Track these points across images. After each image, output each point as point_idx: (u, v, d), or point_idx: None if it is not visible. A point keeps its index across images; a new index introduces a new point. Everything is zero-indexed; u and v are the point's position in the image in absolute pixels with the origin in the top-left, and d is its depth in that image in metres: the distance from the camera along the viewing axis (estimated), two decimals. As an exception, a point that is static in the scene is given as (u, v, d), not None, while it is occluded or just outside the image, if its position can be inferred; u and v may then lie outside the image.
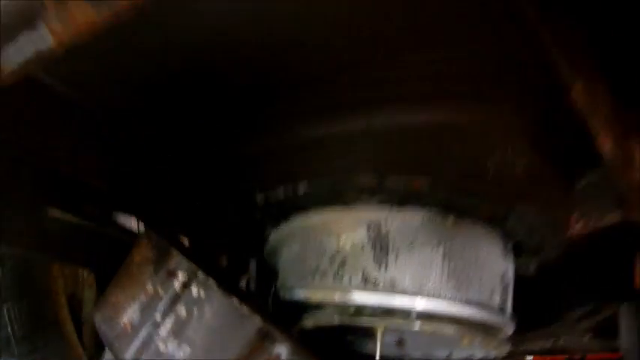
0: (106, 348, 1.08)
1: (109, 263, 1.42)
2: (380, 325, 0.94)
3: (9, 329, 1.83)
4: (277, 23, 0.79)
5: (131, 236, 1.52)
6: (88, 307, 2.23)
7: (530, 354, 1.72)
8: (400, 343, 1.08)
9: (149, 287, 0.95)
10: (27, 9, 0.45)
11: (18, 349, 1.83)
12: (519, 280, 1.13)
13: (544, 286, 1.41)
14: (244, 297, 0.93)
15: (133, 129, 1.10)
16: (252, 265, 1.24)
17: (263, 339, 0.87)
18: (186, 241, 1.33)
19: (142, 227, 1.86)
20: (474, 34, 0.78)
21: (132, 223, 1.80)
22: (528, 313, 1.33)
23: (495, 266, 1.01)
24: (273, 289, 1.09)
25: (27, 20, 0.46)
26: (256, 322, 0.87)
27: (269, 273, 1.15)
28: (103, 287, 2.11)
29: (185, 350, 0.89)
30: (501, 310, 1.02)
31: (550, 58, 0.64)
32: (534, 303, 1.40)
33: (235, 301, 0.88)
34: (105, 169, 1.12)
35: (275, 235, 1.10)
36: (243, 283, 1.30)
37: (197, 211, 1.24)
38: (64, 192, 1.14)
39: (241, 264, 1.32)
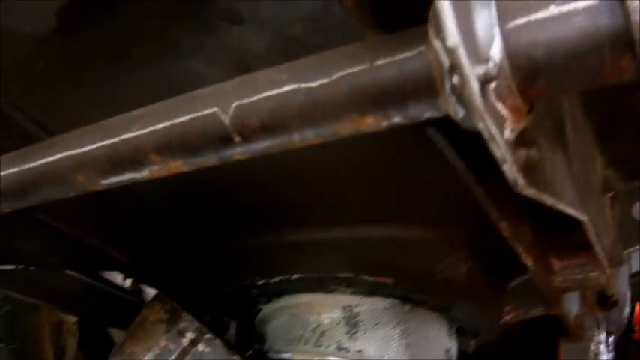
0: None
1: (100, 315, 1.57)
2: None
3: None
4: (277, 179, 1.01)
5: (122, 292, 1.68)
6: (69, 353, 2.34)
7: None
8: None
9: (162, 342, 1.13)
10: (138, 160, 0.62)
11: None
12: (462, 356, 1.33)
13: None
14: (241, 355, 1.12)
15: (159, 221, 1.26)
16: (232, 328, 1.41)
17: None
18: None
19: (130, 284, 2.01)
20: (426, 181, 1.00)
21: (117, 278, 1.95)
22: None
23: (442, 343, 1.22)
24: (262, 349, 1.27)
25: (135, 166, 0.62)
26: None
27: (256, 337, 1.32)
28: (84, 337, 2.25)
29: None
30: (446, 378, 1.21)
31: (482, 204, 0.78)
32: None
33: (236, 358, 1.07)
34: (128, 245, 1.27)
35: (267, 309, 1.29)
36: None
37: (198, 282, 1.41)
38: (84, 257, 1.27)
39: (221, 325, 1.48)
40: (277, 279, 1.18)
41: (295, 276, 1.17)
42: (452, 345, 1.26)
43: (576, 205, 0.73)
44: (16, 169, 0.70)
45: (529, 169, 0.52)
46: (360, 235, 1.13)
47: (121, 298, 1.65)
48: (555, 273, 0.96)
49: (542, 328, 1.41)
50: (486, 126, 0.44)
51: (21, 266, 1.12)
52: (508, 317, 1.34)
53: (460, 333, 1.30)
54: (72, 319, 2.29)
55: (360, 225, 1.13)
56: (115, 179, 0.65)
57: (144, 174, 0.62)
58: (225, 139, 0.56)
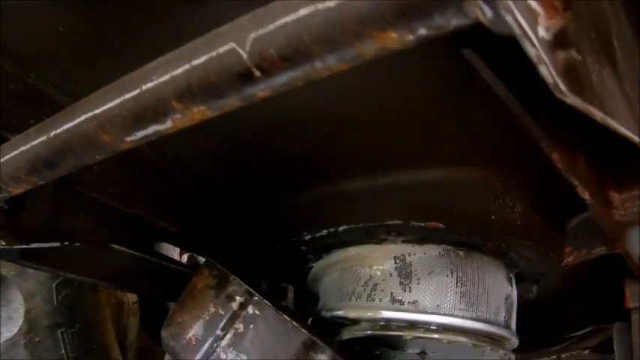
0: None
1: (157, 290, 1.57)
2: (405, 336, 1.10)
3: (62, 351, 1.92)
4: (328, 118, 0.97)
5: (176, 265, 1.67)
6: (131, 334, 2.36)
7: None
8: (422, 354, 1.25)
9: (211, 308, 1.10)
10: (160, 109, 0.59)
11: None
12: (525, 305, 1.28)
13: (548, 309, 1.56)
14: (291, 314, 1.09)
15: (203, 185, 1.25)
16: (290, 293, 1.39)
17: (308, 349, 1.03)
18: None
19: (187, 258, 2.02)
20: (475, 116, 0.95)
21: (173, 253, 1.95)
22: (534, 334, 1.48)
23: (500, 290, 1.16)
24: (316, 309, 1.25)
25: (158, 117, 0.59)
26: (302, 334, 1.04)
27: (310, 297, 1.31)
28: (145, 316, 2.26)
29: (242, 358, 1.05)
30: (506, 325, 1.17)
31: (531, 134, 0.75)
32: (538, 325, 1.55)
33: (285, 317, 1.04)
34: (175, 214, 1.24)
35: (317, 266, 1.27)
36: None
37: (249, 247, 1.39)
38: (133, 231, 1.25)
39: (279, 291, 1.46)
40: (324, 232, 1.15)
41: (343, 228, 1.13)
42: (512, 292, 1.21)
43: (631, 126, 0.68)
44: (43, 138, 0.69)
45: (571, 74, 0.47)
46: (408, 180, 1.09)
47: (178, 272, 1.64)
48: (615, 207, 0.94)
49: (606, 270, 1.34)
50: (517, 21, 0.40)
51: (66, 243, 1.08)
52: (569, 259, 1.29)
53: (520, 279, 1.26)
54: (132, 298, 2.32)
55: (407, 170, 1.09)
56: (140, 134, 0.63)
57: (167, 125, 0.60)
58: (245, 76, 0.53)
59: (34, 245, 1.02)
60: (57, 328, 1.93)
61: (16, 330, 1.86)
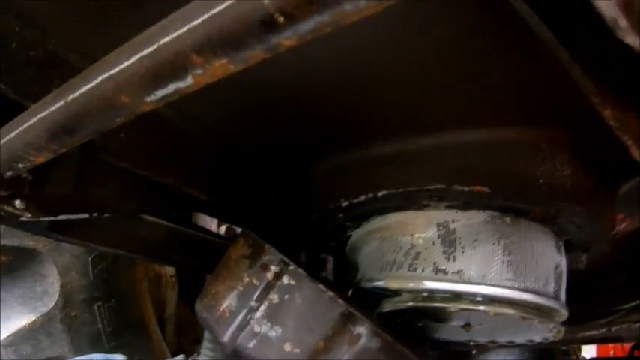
0: (205, 334, 1.21)
1: (197, 262, 1.55)
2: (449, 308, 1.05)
3: (99, 325, 1.94)
4: (365, 66, 0.91)
5: (213, 237, 1.64)
6: (170, 307, 2.36)
7: (585, 342, 1.79)
8: (467, 327, 1.19)
9: (245, 279, 1.07)
10: (179, 65, 0.55)
11: (107, 343, 1.92)
12: (574, 275, 1.22)
13: (597, 280, 1.50)
14: (329, 285, 1.05)
15: (234, 152, 1.22)
16: (330, 264, 1.35)
17: (346, 321, 0.98)
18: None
19: (225, 230, 1.99)
20: (519, 70, 0.89)
21: (210, 224, 1.93)
22: (583, 305, 1.42)
23: (549, 259, 1.10)
24: (355, 280, 1.21)
25: (177, 73, 0.56)
26: (340, 305, 0.99)
27: (349, 267, 1.26)
28: (184, 289, 2.26)
29: (277, 330, 1.01)
30: (556, 296, 1.11)
31: (582, 90, 0.71)
32: (588, 297, 1.49)
33: (322, 287, 1.00)
34: (205, 182, 1.22)
35: (356, 235, 1.22)
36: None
37: (282, 215, 1.35)
38: (163, 200, 1.22)
39: (319, 262, 1.43)
40: (362, 198, 1.09)
41: (382, 193, 1.07)
42: (561, 260, 1.15)
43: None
44: (61, 103, 0.67)
45: (631, 10, 0.42)
46: (450, 141, 1.03)
47: (215, 244, 1.62)
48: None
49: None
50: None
51: (95, 214, 1.07)
52: (621, 227, 1.22)
53: (569, 247, 1.20)
54: (170, 271, 2.33)
55: (449, 131, 1.03)
56: (160, 93, 0.60)
57: (188, 81, 0.57)
58: (267, 23, 0.49)
59: (61, 217, 1.01)
60: (93, 301, 1.96)
61: (52, 304, 1.88)
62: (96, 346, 1.92)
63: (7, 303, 1.86)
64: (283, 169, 1.27)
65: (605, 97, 0.72)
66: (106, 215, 1.11)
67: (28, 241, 1.86)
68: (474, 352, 1.84)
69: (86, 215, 1.05)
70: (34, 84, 0.92)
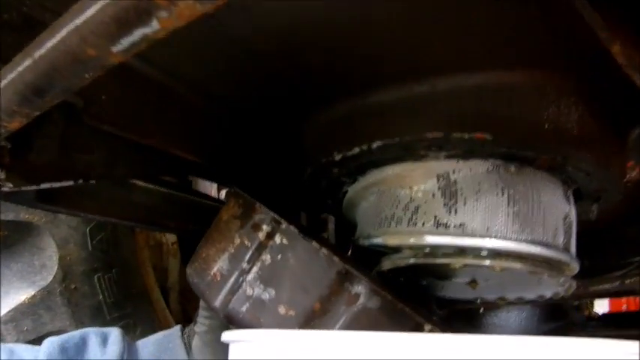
0: (201, 301, 1.16)
1: (194, 228, 1.50)
2: (453, 264, 1.00)
3: (100, 297, 1.91)
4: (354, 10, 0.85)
5: (212, 201, 1.60)
6: (172, 275, 2.33)
7: (598, 297, 1.74)
8: (472, 284, 1.14)
9: (236, 240, 1.02)
10: (142, 8, 0.51)
11: (109, 315, 1.90)
12: (584, 227, 1.16)
13: (609, 232, 1.44)
14: (325, 243, 1.00)
15: (223, 109, 1.17)
16: (331, 224, 1.30)
17: (343, 280, 0.93)
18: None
19: (223, 194, 1.94)
20: (518, 6, 0.83)
21: (211, 189, 1.88)
22: (594, 259, 1.37)
23: (557, 209, 1.05)
24: (352, 238, 1.16)
25: (142, 17, 0.52)
26: (336, 264, 0.93)
27: (347, 226, 1.22)
28: (186, 257, 2.22)
29: (270, 293, 0.96)
30: (565, 248, 1.05)
31: (588, 23, 0.67)
32: (599, 249, 1.44)
33: (316, 245, 0.95)
34: (194, 142, 1.18)
35: (352, 190, 1.16)
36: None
37: (279, 175, 1.30)
38: (152, 163, 1.18)
39: (320, 222, 1.38)
40: (356, 151, 1.03)
41: (376, 144, 1.01)
42: (570, 211, 1.09)
43: None
44: (29, 62, 0.63)
45: None
46: (448, 87, 0.97)
47: (214, 208, 1.57)
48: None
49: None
50: None
51: (80, 181, 1.03)
52: (632, 174, 1.15)
53: (578, 197, 1.14)
54: (171, 239, 2.30)
55: (446, 76, 0.97)
56: (126, 41, 0.56)
57: (154, 26, 0.53)
58: None
59: (44, 186, 0.98)
60: (93, 273, 1.93)
61: (50, 278, 1.85)
62: (97, 319, 1.89)
63: (5, 278, 1.82)
64: (275, 125, 1.22)
65: (613, 31, 0.68)
66: (92, 182, 1.06)
67: (24, 214, 1.82)
68: (481, 310, 1.80)
69: (71, 182, 1.01)
70: (10, 48, 0.85)
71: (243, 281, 0.99)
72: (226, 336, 0.87)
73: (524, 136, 0.97)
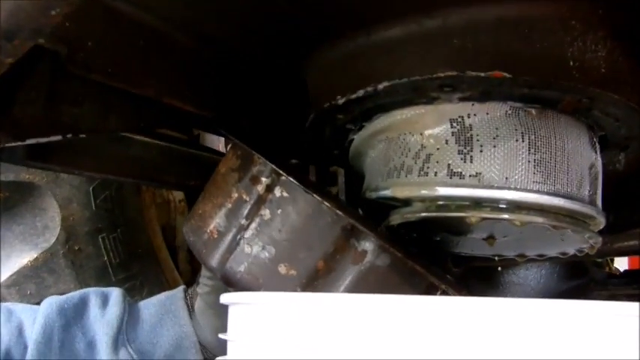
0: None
1: (196, 184, 1.44)
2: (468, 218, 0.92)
3: (105, 258, 1.87)
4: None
5: (218, 156, 1.54)
6: (181, 234, 2.28)
7: (622, 254, 1.68)
8: (490, 239, 1.07)
9: (234, 194, 0.96)
10: None
11: (115, 276, 1.86)
12: (610, 178, 1.10)
13: (636, 183, 1.37)
14: (329, 196, 0.93)
15: (219, 52, 1.10)
16: (341, 177, 1.23)
17: (348, 236, 0.87)
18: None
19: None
20: None
21: (219, 144, 1.83)
22: (619, 213, 1.30)
23: (583, 157, 0.97)
24: (361, 191, 1.08)
25: None
26: (341, 218, 0.87)
27: (355, 178, 1.15)
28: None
29: (270, 251, 0.90)
30: (591, 201, 0.98)
31: None
32: (625, 203, 1.37)
33: (319, 198, 0.87)
34: (190, 91, 1.11)
35: (359, 138, 1.08)
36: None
37: (285, 125, 1.24)
38: (146, 115, 1.12)
39: (329, 176, 1.32)
40: (361, 93, 0.94)
41: (383, 85, 0.92)
42: (596, 160, 1.01)
43: None
44: None
45: None
46: (461, 21, 0.88)
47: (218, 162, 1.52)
48: None
49: None
50: None
51: (69, 135, 0.97)
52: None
53: (604, 145, 1.06)
54: (178, 196, 2.26)
55: (462, 7, 0.88)
56: None
57: None
58: None
59: (31, 141, 0.93)
60: (97, 233, 1.89)
61: (54, 239, 1.81)
62: (103, 280, 1.85)
63: (6, 241, 1.79)
64: (277, 68, 1.14)
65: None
66: (83, 136, 1.00)
67: (25, 174, 1.78)
68: (499, 268, 1.74)
69: (59, 137, 0.95)
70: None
71: (240, 239, 0.93)
72: (225, 298, 0.81)
73: (546, 75, 0.89)
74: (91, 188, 1.86)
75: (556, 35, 0.88)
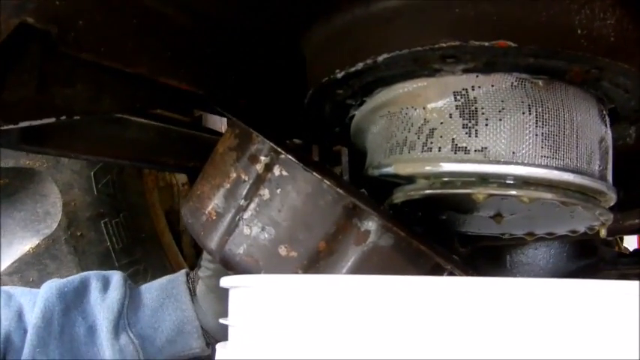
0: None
1: (196, 165, 1.42)
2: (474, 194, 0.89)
3: (108, 243, 1.86)
4: None
5: (219, 137, 1.51)
6: None
7: (634, 232, 1.65)
8: (497, 217, 1.04)
9: (232, 174, 0.94)
10: None
11: (118, 261, 1.85)
12: (620, 152, 1.06)
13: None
14: (330, 174, 0.90)
15: (214, 30, 1.08)
16: (344, 156, 1.21)
17: (350, 215, 0.84)
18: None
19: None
20: None
21: (221, 125, 1.81)
22: (630, 189, 1.27)
23: (592, 131, 0.94)
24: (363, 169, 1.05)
25: None
26: (342, 197, 0.84)
27: (358, 156, 1.12)
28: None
29: (270, 232, 0.87)
30: (602, 176, 0.95)
31: None
32: (636, 179, 1.34)
33: (319, 176, 0.84)
34: (186, 69, 1.09)
35: (360, 114, 1.05)
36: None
37: (285, 106, 1.21)
38: (141, 95, 1.09)
39: (333, 155, 1.29)
40: (360, 66, 0.91)
41: (382, 57, 0.89)
42: (606, 133, 0.98)
43: None
44: None
45: None
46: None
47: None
48: None
49: None
50: None
51: (63, 117, 0.95)
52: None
53: (614, 119, 1.03)
54: (182, 179, 2.25)
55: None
56: None
57: None
58: None
59: (23, 124, 0.91)
60: (99, 219, 1.87)
61: (55, 226, 1.79)
62: (105, 266, 1.83)
63: (8, 228, 1.77)
64: (275, 43, 1.12)
65: None
66: (77, 118, 0.99)
67: (25, 160, 1.76)
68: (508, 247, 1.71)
69: (52, 119, 0.94)
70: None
71: (239, 220, 0.90)
72: (224, 282, 0.78)
73: (553, 44, 0.85)
74: (92, 173, 1.85)
75: (562, 2, 0.84)
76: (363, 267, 0.85)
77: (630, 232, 1.69)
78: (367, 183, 1.04)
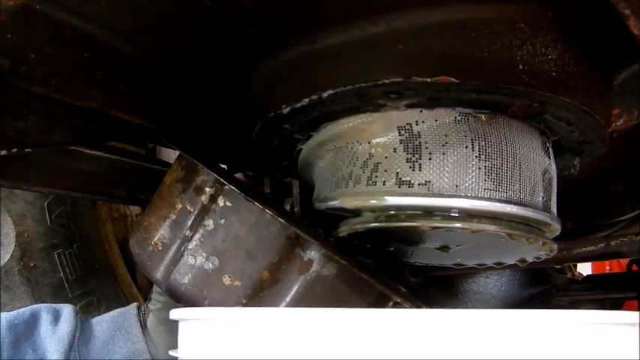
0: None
1: (147, 198, 1.42)
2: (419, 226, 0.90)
3: (61, 274, 1.87)
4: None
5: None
6: None
7: (582, 260, 1.68)
8: (444, 248, 1.05)
9: (178, 205, 0.94)
10: None
11: (71, 292, 1.85)
12: (566, 183, 1.09)
13: (593, 189, 1.37)
14: (273, 205, 0.91)
15: (164, 64, 1.08)
16: (295, 188, 1.22)
17: (293, 245, 0.85)
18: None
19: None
20: None
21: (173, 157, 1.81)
22: (577, 219, 1.29)
23: (535, 163, 0.95)
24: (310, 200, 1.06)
25: None
26: (285, 227, 0.85)
27: (306, 188, 1.13)
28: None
29: (214, 262, 0.88)
30: (545, 207, 0.97)
31: None
32: (582, 208, 1.36)
33: (261, 207, 0.86)
34: (137, 103, 1.08)
35: (307, 148, 1.06)
36: (287, 207, 1.27)
37: (235, 139, 1.22)
38: (93, 128, 1.10)
39: (284, 187, 1.30)
40: (306, 102, 0.92)
41: (327, 93, 0.89)
42: (550, 165, 0.99)
43: None
44: None
45: None
46: (405, 26, 0.85)
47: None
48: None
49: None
50: None
51: (14, 150, 0.96)
52: (618, 123, 1.07)
53: (559, 150, 1.05)
54: (136, 210, 2.24)
55: (406, 11, 0.86)
56: None
57: None
58: None
59: None
60: (53, 249, 1.89)
61: (8, 256, 1.80)
62: (59, 297, 1.83)
63: (-40, 259, 1.75)
64: (225, 79, 1.12)
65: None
66: (28, 150, 0.99)
67: (-24, 191, 1.75)
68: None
69: (4, 151, 0.94)
70: None
71: (185, 250, 0.91)
72: (173, 314, 0.79)
73: (495, 79, 0.86)
74: (45, 204, 1.85)
75: (504, 38, 0.85)
76: (307, 296, 0.85)
77: (579, 260, 1.72)
78: (316, 216, 1.04)
